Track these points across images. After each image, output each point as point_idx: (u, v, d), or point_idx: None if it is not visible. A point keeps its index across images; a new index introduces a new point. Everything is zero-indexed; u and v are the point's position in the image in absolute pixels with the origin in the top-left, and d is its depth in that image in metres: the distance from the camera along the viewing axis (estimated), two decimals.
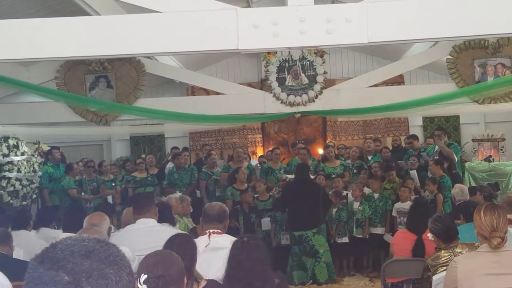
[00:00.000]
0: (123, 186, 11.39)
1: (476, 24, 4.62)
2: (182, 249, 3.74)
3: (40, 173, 11.22)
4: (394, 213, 9.64)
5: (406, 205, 9.36)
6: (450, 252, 4.83)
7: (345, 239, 9.90)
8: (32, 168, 11.10)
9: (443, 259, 4.80)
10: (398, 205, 9.60)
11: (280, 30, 4.58)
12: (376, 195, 9.96)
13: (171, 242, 3.96)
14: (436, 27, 4.67)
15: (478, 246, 4.37)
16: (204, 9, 4.69)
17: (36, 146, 11.82)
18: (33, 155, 11.32)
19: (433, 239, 5.17)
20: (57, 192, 11.21)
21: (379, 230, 9.84)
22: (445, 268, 4.61)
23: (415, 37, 4.87)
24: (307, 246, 9.25)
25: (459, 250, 4.80)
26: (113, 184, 11.37)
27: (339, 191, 10.15)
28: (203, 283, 3.79)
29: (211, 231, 4.89)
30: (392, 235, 9.52)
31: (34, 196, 11.13)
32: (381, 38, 4.73)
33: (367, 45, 4.83)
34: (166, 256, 3.18)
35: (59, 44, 4.72)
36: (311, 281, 9.34)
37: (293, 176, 10.87)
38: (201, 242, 4.66)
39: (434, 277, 4.67)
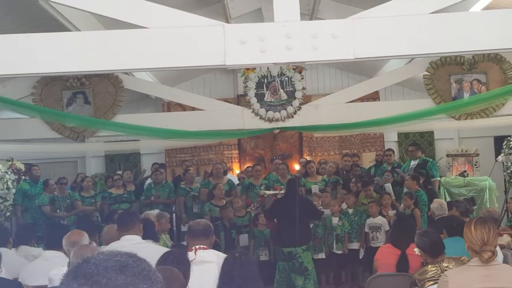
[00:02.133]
0: (99, 202, 11.29)
1: (460, 41, 4.70)
2: (177, 265, 3.72)
3: (13, 191, 11.05)
4: (366, 229, 9.68)
5: (378, 219, 9.45)
6: (437, 266, 4.85)
7: (322, 255, 9.88)
8: (5, 186, 10.94)
9: (430, 273, 4.82)
10: (369, 220, 9.65)
11: (266, 45, 4.59)
12: (350, 211, 9.99)
13: (166, 258, 3.94)
14: (421, 44, 4.72)
15: (466, 260, 4.42)
16: (191, 25, 4.68)
17: (10, 163, 11.65)
18: (7, 172, 11.16)
19: (419, 253, 5.20)
20: (30, 209, 11.05)
21: (354, 245, 9.87)
22: (432, 282, 4.64)
23: (400, 53, 4.93)
24: (296, 263, 9.17)
25: (446, 265, 4.82)
26: (93, 200, 11.26)
27: (319, 206, 10.17)
28: None
29: (197, 247, 4.88)
30: (365, 251, 9.60)
31: (8, 213, 10.96)
32: (367, 54, 4.77)
33: (352, 61, 4.87)
34: (168, 272, 3.16)
35: (40, 60, 4.67)
36: None
37: (271, 192, 10.87)
38: None
39: None
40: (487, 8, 8.00)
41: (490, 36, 4.67)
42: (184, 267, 3.91)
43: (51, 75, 9.04)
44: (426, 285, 4.75)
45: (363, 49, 4.67)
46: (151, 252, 4.45)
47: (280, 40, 4.59)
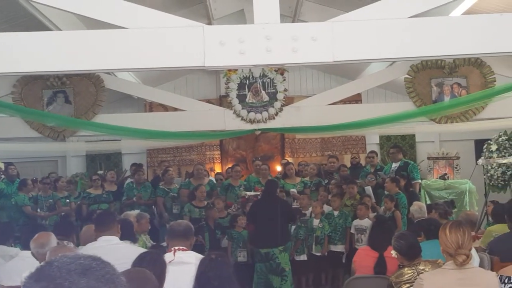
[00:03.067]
0: (78, 202, 11.23)
1: (438, 45, 4.73)
2: (152, 266, 3.71)
3: None
4: (352, 230, 9.71)
5: (364, 222, 9.47)
6: (413, 269, 4.88)
7: (303, 257, 9.91)
8: None
9: (406, 276, 4.85)
10: (356, 222, 9.68)
11: (246, 47, 4.59)
12: (336, 213, 10.02)
13: (141, 259, 3.93)
14: (399, 48, 4.75)
15: (441, 263, 4.45)
16: (170, 26, 4.68)
17: None
18: None
19: (396, 256, 5.23)
20: (6, 208, 10.97)
21: (339, 248, 9.90)
22: (408, 285, 4.67)
23: (379, 56, 4.94)
24: (273, 264, 9.19)
25: (422, 267, 4.85)
26: (68, 200, 11.19)
27: (299, 208, 10.18)
28: None
29: (176, 248, 4.87)
30: (348, 253, 9.63)
31: None
32: (346, 57, 4.79)
33: (331, 64, 4.89)
34: (140, 274, 3.15)
35: (20, 59, 4.65)
36: None
37: (252, 193, 10.89)
38: (166, 258, 4.62)
39: None
40: (467, 12, 8.06)
41: (469, 41, 4.71)
42: (160, 268, 3.90)
43: (30, 74, 8.98)
44: None
45: (342, 52, 4.69)
46: (127, 253, 4.45)
47: (259, 42, 4.59)
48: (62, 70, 5.28)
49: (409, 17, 4.74)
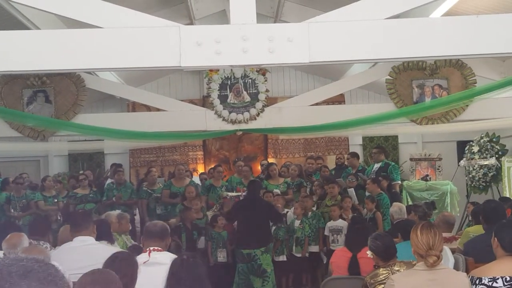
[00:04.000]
0: (65, 202, 11.18)
1: (414, 46, 4.74)
2: (124, 266, 3.71)
3: None
4: (326, 232, 9.71)
5: (339, 222, 9.49)
6: (388, 270, 4.90)
7: (283, 257, 9.90)
8: None
9: (381, 277, 4.86)
10: (330, 223, 9.68)
11: (222, 48, 4.58)
12: (309, 213, 10.01)
13: (113, 260, 3.92)
14: (375, 49, 4.76)
15: (416, 264, 4.45)
16: (146, 26, 4.66)
17: None
18: None
19: (372, 256, 5.24)
20: None
21: (313, 248, 9.90)
22: (383, 286, 4.68)
23: (355, 57, 4.95)
24: (255, 264, 9.17)
25: (397, 268, 4.87)
26: (55, 200, 11.14)
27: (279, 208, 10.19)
28: None
29: (151, 248, 4.86)
30: (325, 254, 9.65)
31: None
32: (322, 58, 4.79)
33: (308, 64, 4.89)
34: (103, 275, 3.13)
35: None
36: None
37: (233, 194, 10.87)
38: (140, 259, 4.62)
39: None
40: (447, 14, 8.10)
41: (445, 43, 4.72)
42: (132, 268, 3.89)
43: (8, 73, 8.93)
44: None
45: (319, 52, 4.69)
46: (102, 253, 4.44)
47: (236, 42, 4.59)
48: (38, 69, 5.27)
49: (386, 18, 4.75)
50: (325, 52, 4.74)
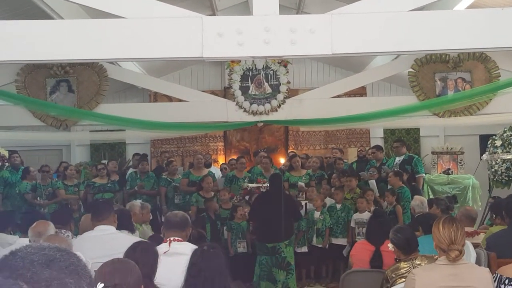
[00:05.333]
0: (82, 191, 11.26)
1: (438, 39, 4.69)
2: (144, 256, 3.72)
3: None
4: (352, 224, 9.68)
5: (364, 215, 9.42)
6: (409, 263, 4.87)
7: (304, 249, 9.89)
8: None
9: (402, 270, 4.83)
10: (356, 215, 9.64)
11: (244, 39, 4.58)
12: (338, 206, 9.99)
13: (133, 249, 3.93)
14: (398, 41, 4.72)
15: (437, 259, 4.42)
16: (169, 16, 4.67)
17: None
18: None
19: (393, 249, 5.20)
20: (11, 197, 11.00)
21: (340, 241, 9.86)
22: (404, 279, 4.65)
23: (378, 50, 4.91)
24: (279, 257, 9.12)
25: (418, 262, 4.84)
26: (76, 189, 11.22)
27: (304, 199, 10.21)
28: None
29: (171, 238, 4.87)
30: (350, 247, 9.61)
31: None
32: (345, 50, 4.76)
33: (331, 56, 4.86)
34: (123, 265, 3.14)
35: (20, 47, 4.65)
36: None
37: (254, 185, 10.87)
38: (161, 249, 4.63)
39: None
40: (471, 7, 8.01)
41: (469, 35, 4.67)
42: (152, 258, 3.90)
43: (32, 63, 9.01)
44: (398, 282, 4.77)
45: (341, 44, 4.67)
46: (123, 242, 4.44)
47: (258, 33, 4.58)
48: (62, 59, 5.32)
49: (410, 10, 4.72)
50: (348, 44, 4.72)
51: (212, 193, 10.36)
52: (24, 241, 5.83)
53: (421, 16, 4.77)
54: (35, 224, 5.37)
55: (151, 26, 4.67)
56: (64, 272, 1.46)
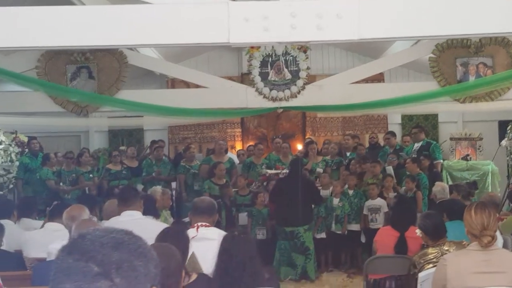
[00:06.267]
0: (101, 177, 11.30)
1: (463, 23, 4.67)
2: (176, 241, 3.73)
3: (17, 163, 11.07)
4: (365, 211, 9.66)
5: (377, 202, 9.44)
6: (437, 249, 4.86)
7: (323, 235, 9.91)
8: (9, 158, 10.94)
9: (430, 256, 4.83)
10: (368, 202, 9.63)
11: (271, 24, 4.57)
12: (350, 192, 9.98)
13: (164, 234, 3.95)
14: (426, 26, 4.70)
15: (466, 245, 4.41)
16: (195, 2, 4.67)
17: (14, 135, 11.65)
18: (10, 145, 11.15)
19: (421, 235, 5.19)
20: (32, 183, 11.08)
21: (354, 227, 9.87)
22: (432, 265, 4.65)
23: (405, 34, 4.91)
24: (298, 242, 9.18)
25: (447, 248, 4.83)
26: (91, 175, 11.26)
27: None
28: (194, 277, 3.78)
29: (199, 224, 4.89)
30: (365, 234, 9.61)
31: (11, 186, 10.99)
32: (371, 35, 4.75)
33: (357, 42, 4.84)
34: (165, 249, 3.16)
35: (42, 34, 4.67)
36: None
37: (273, 171, 10.87)
38: (189, 234, 4.65)
39: (421, 274, 4.70)
40: None
41: (497, 20, 4.63)
42: (183, 243, 3.92)
43: (53, 49, 9.02)
44: (426, 268, 4.77)
45: (368, 29, 4.65)
46: (151, 228, 4.46)
47: (284, 18, 4.57)
48: (84, 45, 5.31)
49: None
50: (375, 28, 4.71)
51: (224, 180, 10.34)
52: (52, 227, 5.89)
53: (448, 0, 4.73)
54: (70, 208, 5.41)
55: (177, 12, 4.67)
56: (133, 254, 1.48)
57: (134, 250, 1.49)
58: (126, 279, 1.43)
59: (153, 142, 12.60)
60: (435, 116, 14.33)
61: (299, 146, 13.44)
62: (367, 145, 12.59)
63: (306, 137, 13.91)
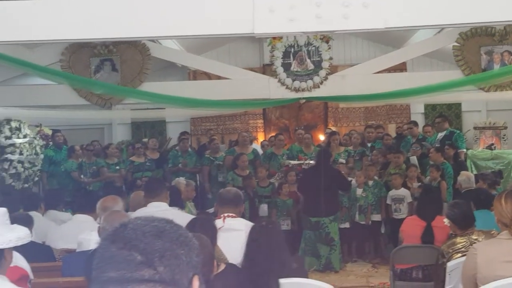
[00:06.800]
0: (126, 169, 11.36)
1: (489, 11, 4.62)
2: (204, 232, 3.74)
3: (42, 156, 11.18)
4: (388, 201, 9.62)
5: (401, 191, 9.38)
6: (466, 239, 4.83)
7: (347, 224, 9.89)
8: (34, 151, 11.05)
9: (458, 245, 4.80)
10: (392, 192, 9.58)
11: (296, 14, 4.55)
12: (370, 182, 9.93)
13: (193, 225, 3.97)
14: (452, 14, 4.65)
15: (495, 234, 4.37)
16: None
17: (38, 128, 11.77)
18: (35, 138, 11.26)
19: (449, 224, 5.16)
20: (57, 175, 11.17)
21: (375, 217, 9.84)
22: (460, 254, 4.63)
23: (432, 23, 4.86)
24: (323, 233, 9.17)
25: (475, 237, 4.80)
26: (117, 167, 11.32)
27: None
28: (222, 267, 3.80)
29: (225, 214, 4.91)
30: (386, 223, 9.58)
31: (36, 178, 11.10)
32: (398, 24, 4.72)
33: (383, 31, 4.81)
34: (197, 239, 3.16)
35: (66, 26, 4.69)
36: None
37: (295, 162, 10.85)
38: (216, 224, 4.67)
39: (449, 264, 4.68)
40: None
41: None
42: (211, 233, 3.93)
43: (77, 42, 9.08)
44: (454, 257, 4.74)
45: (394, 18, 4.62)
46: (178, 218, 4.47)
47: (309, 8, 4.54)
48: (109, 37, 5.31)
49: None
50: (401, 17, 4.67)
51: (248, 171, 10.34)
52: (80, 218, 5.94)
53: None
54: (104, 198, 5.45)
55: (201, 3, 4.67)
56: (175, 243, 1.48)
57: (176, 239, 1.50)
58: (169, 268, 1.44)
59: (183, 133, 12.61)
60: (458, 105, 14.18)
61: (321, 137, 13.38)
62: (391, 135, 12.50)
63: (327, 128, 13.84)
